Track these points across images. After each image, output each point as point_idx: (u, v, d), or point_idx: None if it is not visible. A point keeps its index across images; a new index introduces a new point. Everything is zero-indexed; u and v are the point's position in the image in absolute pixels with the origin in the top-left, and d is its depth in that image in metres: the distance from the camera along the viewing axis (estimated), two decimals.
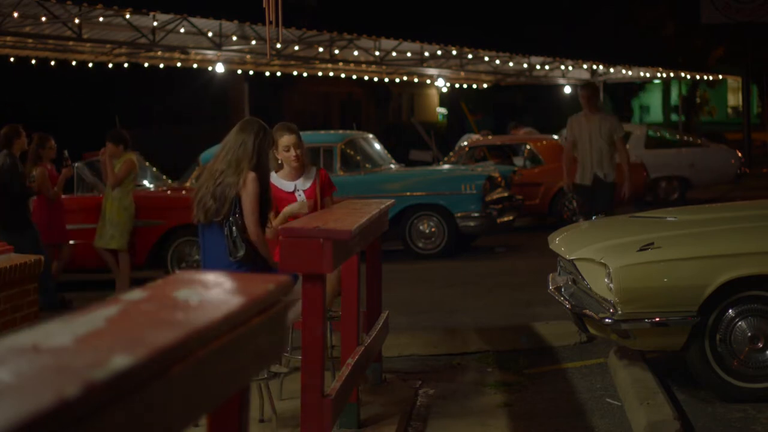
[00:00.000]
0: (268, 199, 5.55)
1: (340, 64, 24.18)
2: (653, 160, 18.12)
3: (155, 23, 16.99)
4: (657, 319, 5.73)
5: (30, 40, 17.53)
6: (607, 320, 5.78)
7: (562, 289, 6.62)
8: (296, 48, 20.78)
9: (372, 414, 5.73)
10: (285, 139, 6.13)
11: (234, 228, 5.35)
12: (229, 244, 5.36)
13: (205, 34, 18.30)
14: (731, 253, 5.78)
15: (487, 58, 25.46)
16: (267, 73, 24.86)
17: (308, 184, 6.20)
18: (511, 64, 26.94)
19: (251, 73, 24.47)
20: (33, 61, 19.92)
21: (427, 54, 23.45)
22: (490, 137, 17.98)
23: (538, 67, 27.85)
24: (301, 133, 6.44)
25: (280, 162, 6.25)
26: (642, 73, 30.16)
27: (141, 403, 1.39)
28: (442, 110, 42.45)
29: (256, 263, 5.42)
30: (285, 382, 6.15)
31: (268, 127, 5.62)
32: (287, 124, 6.30)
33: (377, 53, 22.35)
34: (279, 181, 6.19)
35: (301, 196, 6.15)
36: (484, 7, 37.23)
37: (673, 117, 44.30)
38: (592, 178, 10.15)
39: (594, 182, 10.15)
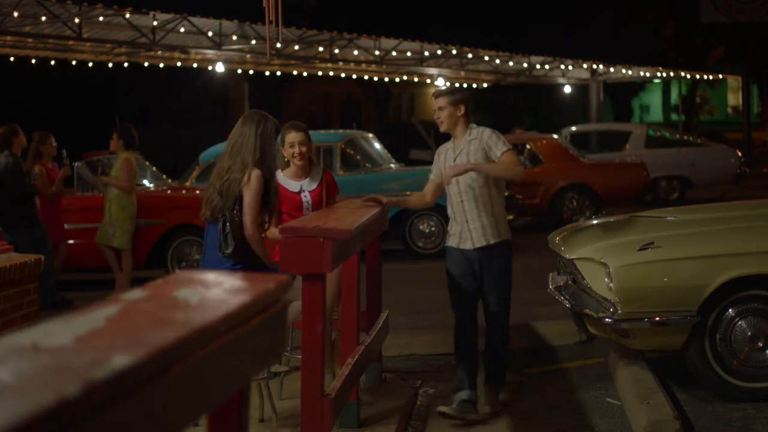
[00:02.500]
0: (270, 198, 5.54)
1: (340, 63, 24.18)
2: (653, 159, 18.12)
3: (155, 23, 17.00)
4: (657, 319, 5.73)
5: (30, 40, 17.53)
6: (607, 320, 5.78)
7: (562, 289, 6.62)
8: (296, 47, 20.78)
9: (372, 413, 5.72)
10: (291, 136, 6.13)
11: (228, 224, 5.35)
12: (220, 239, 5.37)
13: (205, 34, 18.30)
14: (731, 253, 5.78)
15: (487, 58, 25.47)
16: (267, 73, 24.86)
17: (314, 185, 6.19)
18: (511, 63, 26.95)
19: (251, 72, 24.48)
20: (33, 61, 19.93)
21: (427, 53, 23.46)
22: None
23: (538, 66, 27.85)
24: None
25: (287, 160, 6.23)
26: (642, 73, 30.16)
27: (141, 403, 1.39)
28: None
29: (250, 261, 5.40)
30: (285, 381, 6.15)
31: (270, 116, 5.62)
32: (296, 123, 6.30)
33: (377, 53, 22.35)
34: (285, 180, 6.18)
35: (306, 197, 6.15)
36: (484, 7, 37.21)
37: (673, 116, 44.30)
38: (470, 239, 5.84)
39: (480, 246, 5.83)
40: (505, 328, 5.98)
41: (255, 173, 5.37)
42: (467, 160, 5.77)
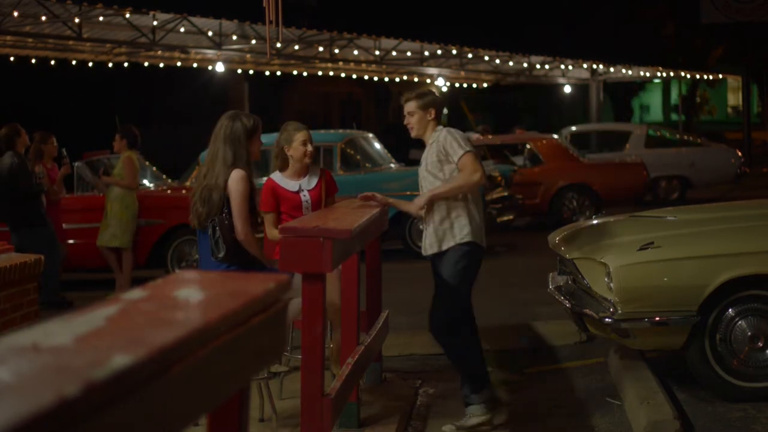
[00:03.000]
0: (255, 198, 5.54)
1: (340, 63, 24.18)
2: (653, 159, 18.12)
3: (155, 23, 17.00)
4: (657, 319, 5.73)
5: (30, 40, 17.53)
6: (607, 319, 5.78)
7: (562, 289, 6.62)
8: (296, 47, 20.78)
9: (372, 413, 5.73)
10: (302, 134, 6.08)
11: (217, 228, 5.33)
12: (212, 244, 5.36)
13: (205, 34, 18.30)
14: (731, 253, 5.78)
15: (487, 58, 25.46)
16: (267, 73, 24.86)
17: (313, 184, 6.17)
18: (511, 63, 26.94)
19: (251, 72, 24.47)
20: (33, 61, 19.92)
21: (427, 53, 23.45)
22: (490, 137, 17.99)
23: (538, 66, 27.85)
24: None
25: (289, 159, 6.15)
26: (642, 73, 30.15)
27: (141, 403, 1.39)
28: None
29: (245, 263, 5.38)
30: (285, 381, 6.15)
31: (243, 115, 5.61)
32: (297, 122, 6.29)
33: (377, 53, 22.35)
34: (283, 180, 6.15)
35: (305, 196, 6.13)
36: (484, 7, 37.20)
37: (673, 116, 44.30)
38: (425, 246, 5.69)
39: (433, 252, 5.63)
40: (440, 329, 5.67)
41: (239, 174, 5.35)
42: (426, 164, 5.62)
